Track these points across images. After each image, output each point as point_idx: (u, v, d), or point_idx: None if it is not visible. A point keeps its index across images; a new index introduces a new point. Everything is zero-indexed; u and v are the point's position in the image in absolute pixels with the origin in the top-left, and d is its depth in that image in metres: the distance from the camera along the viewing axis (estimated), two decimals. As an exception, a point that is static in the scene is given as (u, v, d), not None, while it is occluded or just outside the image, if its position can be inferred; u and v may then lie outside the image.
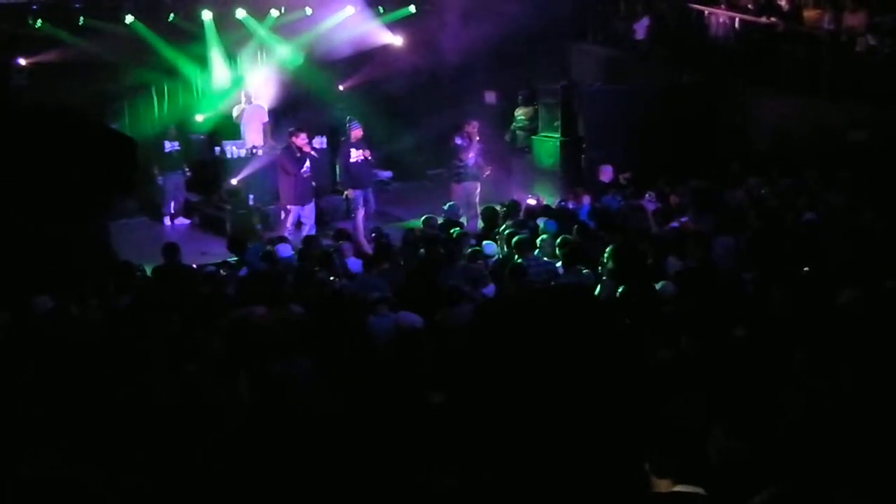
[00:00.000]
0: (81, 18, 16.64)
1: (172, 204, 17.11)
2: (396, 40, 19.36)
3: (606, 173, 15.38)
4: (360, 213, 14.98)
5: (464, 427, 6.14)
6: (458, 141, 15.37)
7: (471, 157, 15.31)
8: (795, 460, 5.16)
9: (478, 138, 15.45)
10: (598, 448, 5.72)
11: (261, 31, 18.49)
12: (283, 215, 14.62)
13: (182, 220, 17.05)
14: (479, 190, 15.50)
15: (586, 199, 13.91)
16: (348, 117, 16.34)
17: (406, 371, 7.17)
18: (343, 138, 15.70)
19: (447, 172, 16.20)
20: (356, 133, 15.11)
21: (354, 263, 11.18)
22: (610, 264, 9.90)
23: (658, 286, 9.05)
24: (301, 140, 14.45)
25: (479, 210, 14.54)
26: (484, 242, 11.46)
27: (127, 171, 12.33)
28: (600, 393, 6.40)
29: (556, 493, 5.52)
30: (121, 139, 12.66)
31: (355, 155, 14.91)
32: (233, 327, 8.46)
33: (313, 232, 14.21)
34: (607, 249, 10.16)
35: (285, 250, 11.20)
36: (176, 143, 17.09)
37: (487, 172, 15.60)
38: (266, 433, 6.40)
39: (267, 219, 15.61)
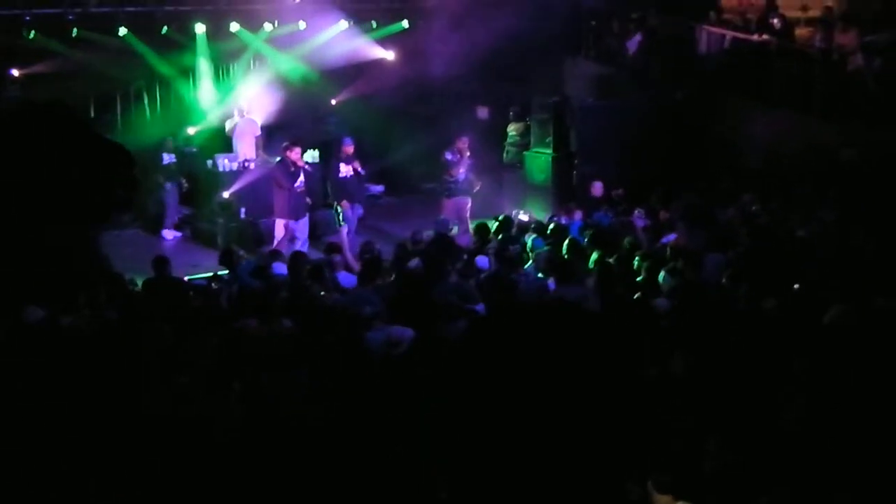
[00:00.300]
0: (75, 30, 16.65)
1: (164, 216, 17.07)
2: (389, 55, 19.42)
3: (597, 189, 15.38)
4: (344, 228, 14.96)
5: (457, 440, 6.13)
6: (449, 156, 15.44)
7: (461, 172, 15.38)
8: (790, 471, 5.17)
9: (468, 153, 15.50)
10: (591, 462, 5.72)
11: (254, 44, 18.52)
12: (276, 230, 14.61)
13: (175, 234, 16.98)
14: (469, 205, 15.55)
15: (578, 215, 13.94)
16: (343, 134, 16.36)
17: (399, 385, 7.16)
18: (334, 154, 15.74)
19: (438, 188, 16.21)
20: (346, 149, 15.12)
21: (345, 277, 11.16)
22: (597, 280, 9.92)
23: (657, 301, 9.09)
24: (295, 154, 14.45)
25: (470, 225, 14.57)
26: (477, 257, 11.46)
27: (126, 175, 12.25)
28: (592, 408, 6.39)
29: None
30: (115, 146, 12.57)
31: (344, 170, 14.92)
32: (225, 340, 8.45)
33: (306, 247, 14.21)
34: (595, 266, 10.21)
35: (281, 268, 11.15)
36: (173, 156, 17.07)
37: (478, 187, 15.65)
38: (258, 446, 6.38)
39: (259, 233, 15.59)
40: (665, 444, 5.02)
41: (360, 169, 15.02)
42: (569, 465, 5.70)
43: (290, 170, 14.37)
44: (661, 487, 4.65)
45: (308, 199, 14.94)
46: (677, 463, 4.68)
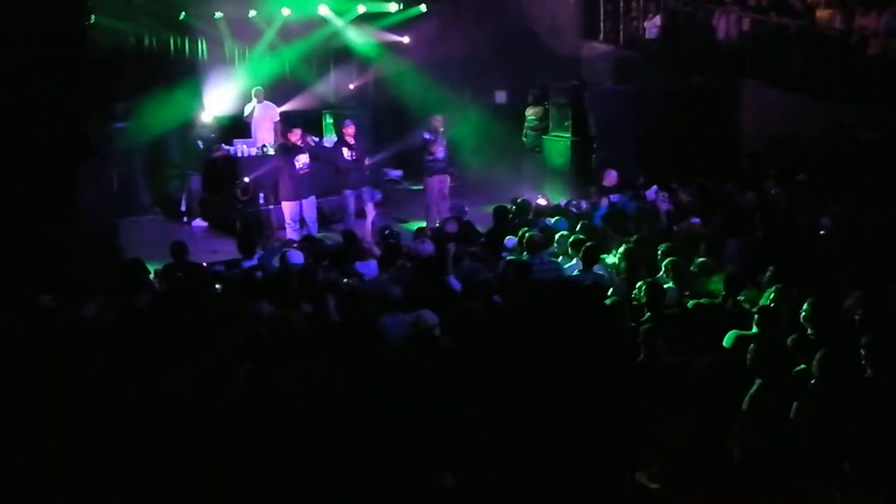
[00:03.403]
0: (92, 16, 16.66)
1: (186, 202, 17.12)
2: (406, 39, 19.40)
3: (610, 178, 15.21)
4: (351, 215, 15.00)
5: (468, 426, 6.13)
6: (427, 136, 15.49)
7: (440, 150, 15.43)
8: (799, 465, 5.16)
9: (443, 130, 15.54)
10: (591, 448, 5.69)
11: (274, 29, 18.53)
12: (284, 213, 14.69)
13: (202, 223, 16.95)
14: (449, 182, 15.69)
15: (605, 201, 13.82)
16: (345, 117, 16.39)
17: (420, 370, 7.16)
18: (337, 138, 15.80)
19: (419, 167, 16.25)
20: (346, 131, 15.12)
21: (362, 264, 11.14)
22: (622, 265, 9.90)
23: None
24: (294, 136, 14.54)
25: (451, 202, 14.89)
26: (507, 238, 11.47)
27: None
28: (601, 394, 6.37)
29: (550, 493, 5.49)
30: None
31: (347, 154, 14.92)
32: (242, 325, 8.45)
33: (315, 228, 14.29)
34: (619, 251, 10.17)
35: (297, 257, 11.13)
36: (199, 143, 17.12)
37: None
38: (273, 432, 6.39)
39: (281, 218, 15.61)
40: (658, 435, 4.99)
41: (355, 155, 14.96)
42: (569, 449, 5.69)
43: (286, 150, 14.51)
44: (653, 478, 4.64)
45: (322, 182, 14.98)
46: (670, 454, 4.66)
